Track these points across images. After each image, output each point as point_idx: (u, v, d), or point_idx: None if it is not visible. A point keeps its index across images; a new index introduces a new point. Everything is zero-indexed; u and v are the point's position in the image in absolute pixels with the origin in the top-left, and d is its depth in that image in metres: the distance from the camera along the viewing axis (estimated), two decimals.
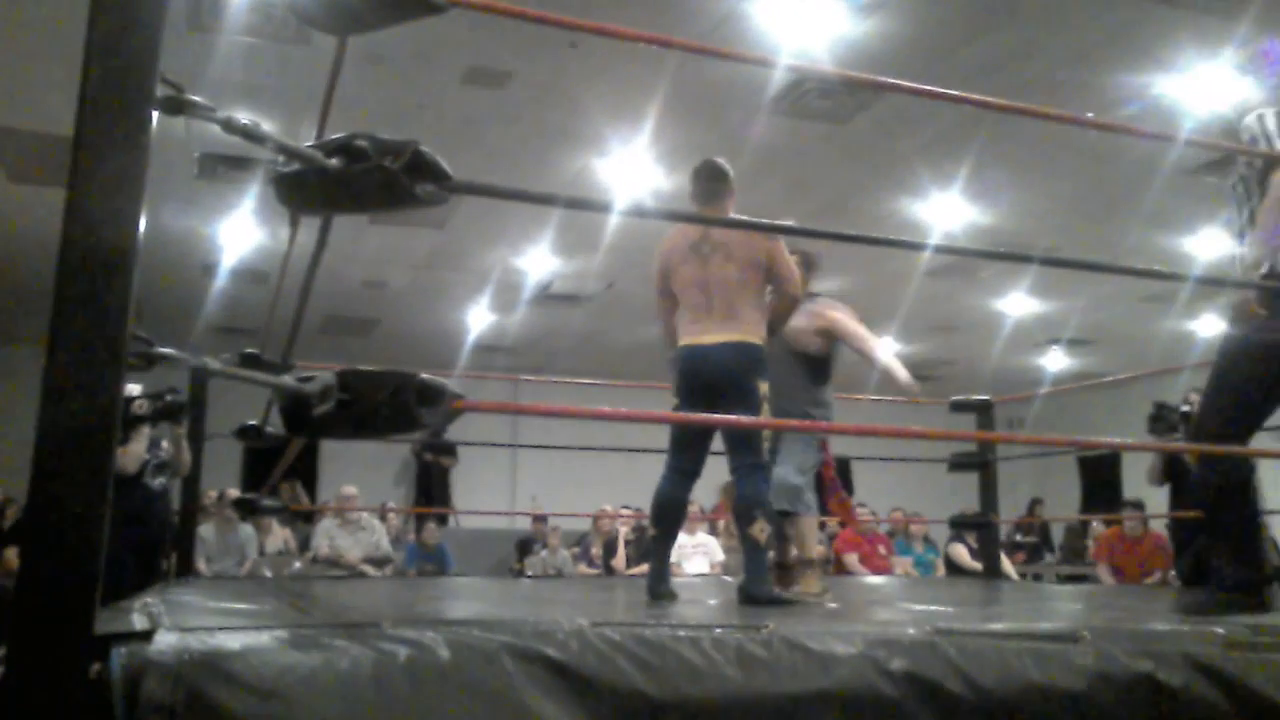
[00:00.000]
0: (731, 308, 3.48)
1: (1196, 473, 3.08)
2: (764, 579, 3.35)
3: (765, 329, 3.57)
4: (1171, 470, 5.87)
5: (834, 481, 4.39)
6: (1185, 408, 5.48)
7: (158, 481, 5.66)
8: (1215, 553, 3.01)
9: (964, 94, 2.63)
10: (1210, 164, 6.99)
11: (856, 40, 5.51)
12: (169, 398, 5.40)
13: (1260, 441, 3.06)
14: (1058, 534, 12.45)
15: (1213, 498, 2.89)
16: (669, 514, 3.61)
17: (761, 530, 3.37)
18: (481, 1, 1.94)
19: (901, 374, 3.93)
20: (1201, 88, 5.89)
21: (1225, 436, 2.80)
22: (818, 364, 4.07)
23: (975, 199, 7.69)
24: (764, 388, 3.49)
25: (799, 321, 3.95)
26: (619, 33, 2.49)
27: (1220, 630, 1.92)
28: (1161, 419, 5.51)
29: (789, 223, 3.39)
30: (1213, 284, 9.15)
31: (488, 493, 12.29)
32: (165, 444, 5.66)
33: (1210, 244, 8.51)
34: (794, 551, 4.00)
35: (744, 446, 3.48)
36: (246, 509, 5.14)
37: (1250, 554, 2.82)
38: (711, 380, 3.48)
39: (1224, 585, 2.82)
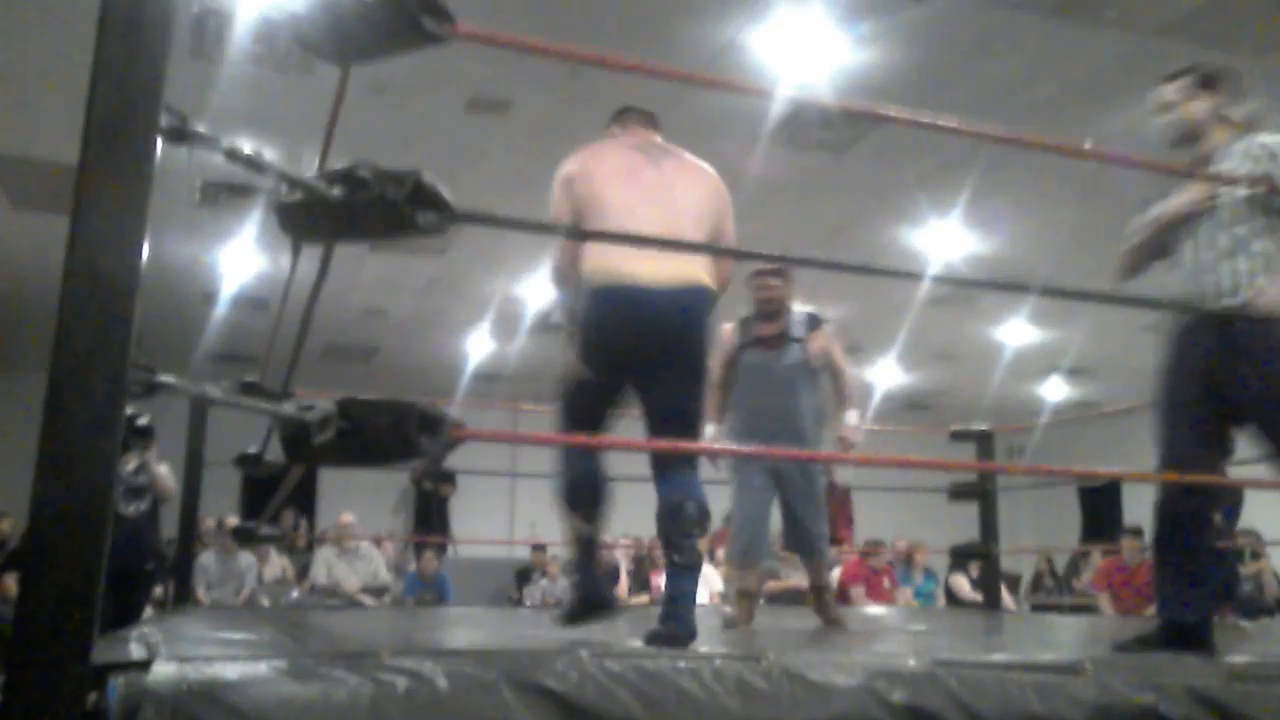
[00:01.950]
0: (682, 233, 2.73)
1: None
2: (692, 607, 2.69)
3: (713, 271, 2.86)
4: None
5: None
6: None
7: (131, 507, 5.56)
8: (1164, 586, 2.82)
9: (962, 124, 2.64)
10: None
11: (855, 70, 5.54)
12: (139, 422, 5.36)
13: (1254, 473, 3.03)
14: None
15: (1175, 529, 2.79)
16: (594, 493, 2.89)
17: (699, 548, 2.78)
18: (483, 32, 1.95)
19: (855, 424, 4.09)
20: None
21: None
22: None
23: (974, 228, 7.71)
24: (709, 357, 2.88)
25: (819, 340, 4.08)
26: (619, 63, 2.51)
27: (1224, 662, 1.91)
28: None
29: (789, 254, 3.40)
30: (1213, 314, 9.15)
31: (487, 521, 12.23)
32: (164, 468, 5.61)
33: None
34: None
35: (683, 429, 2.75)
36: (245, 537, 5.12)
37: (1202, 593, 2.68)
38: (657, 340, 2.70)
39: (1172, 626, 2.65)
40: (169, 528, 6.04)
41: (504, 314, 8.96)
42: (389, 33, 1.81)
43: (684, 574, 2.70)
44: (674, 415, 2.78)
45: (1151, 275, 2.79)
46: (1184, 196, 2.82)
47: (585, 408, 2.86)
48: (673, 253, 2.73)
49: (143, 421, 5.37)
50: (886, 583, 8.54)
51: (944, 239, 7.91)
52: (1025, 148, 2.99)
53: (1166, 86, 3.01)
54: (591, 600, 2.85)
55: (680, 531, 2.68)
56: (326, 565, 8.22)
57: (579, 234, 2.38)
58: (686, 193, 2.85)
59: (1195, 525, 2.74)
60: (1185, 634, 2.61)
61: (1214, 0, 4.99)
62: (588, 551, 2.90)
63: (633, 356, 2.74)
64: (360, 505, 9.97)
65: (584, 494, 2.88)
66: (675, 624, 2.58)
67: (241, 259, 8.32)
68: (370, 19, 1.78)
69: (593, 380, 2.77)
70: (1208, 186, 2.78)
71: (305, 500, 11.99)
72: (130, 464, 5.54)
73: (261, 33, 5.25)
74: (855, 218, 7.65)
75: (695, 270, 2.75)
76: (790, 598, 8.50)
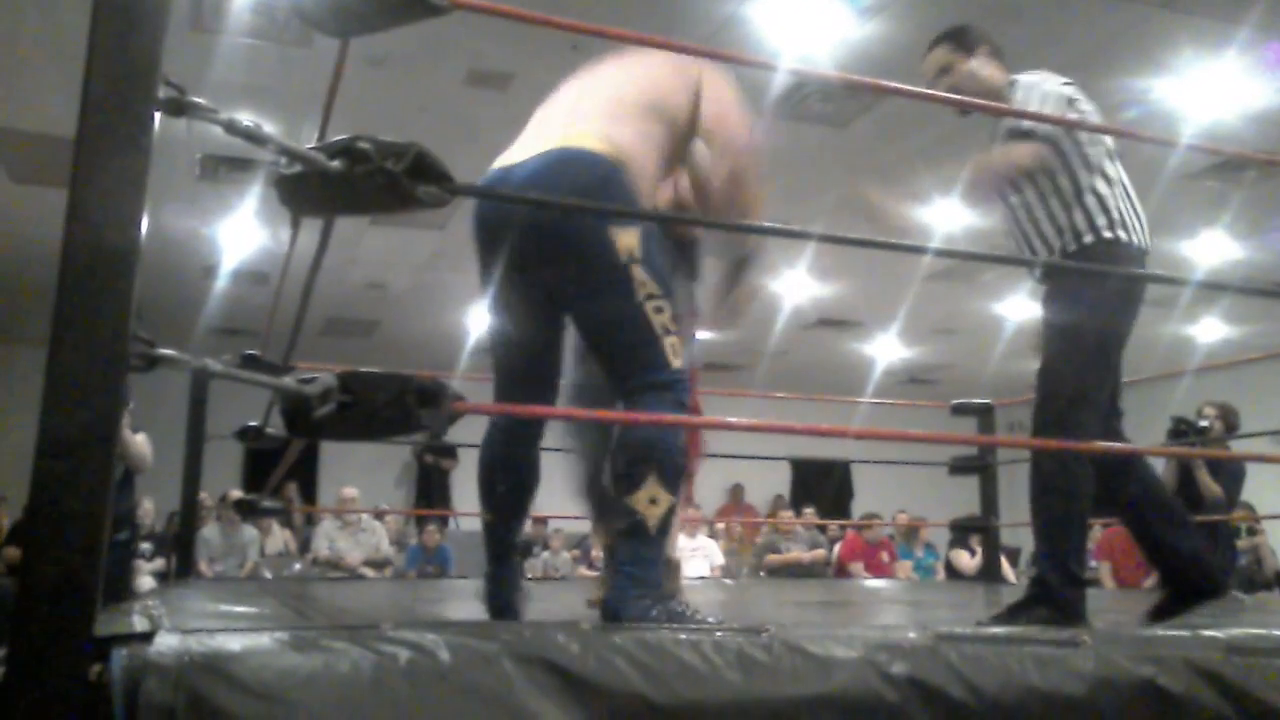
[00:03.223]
0: (575, 109, 2.25)
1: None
2: (645, 590, 2.05)
3: (635, 145, 2.19)
4: (1181, 481, 5.91)
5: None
6: (1203, 422, 5.55)
7: None
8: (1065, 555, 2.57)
9: (964, 97, 2.63)
10: (1211, 168, 6.99)
11: (857, 44, 5.51)
12: None
13: (1260, 446, 3.04)
14: None
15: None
16: (507, 480, 2.42)
17: (651, 502, 2.03)
18: (483, 4, 1.94)
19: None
20: (1202, 92, 5.90)
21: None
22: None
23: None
24: (627, 241, 2.08)
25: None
26: (620, 35, 2.49)
27: (1222, 635, 1.91)
28: (1181, 434, 5.57)
29: (790, 228, 3.34)
30: (1213, 288, 9.14)
31: None
32: (140, 437, 5.56)
33: (1210, 248, 8.51)
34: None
35: (629, 353, 2.13)
36: (247, 510, 5.12)
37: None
38: (515, 227, 2.16)
39: (1049, 598, 2.51)
40: (171, 500, 6.05)
41: None
42: (389, 4, 1.80)
43: (627, 542, 2.09)
44: (584, 321, 2.20)
45: (1150, 249, 2.78)
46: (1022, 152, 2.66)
47: (502, 355, 2.36)
48: (561, 124, 2.22)
49: None
50: (885, 556, 8.58)
51: (946, 213, 7.88)
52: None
53: (936, 50, 2.93)
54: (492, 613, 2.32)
55: (615, 483, 2.10)
56: (328, 538, 8.25)
57: (592, 208, 2.35)
58: (612, 67, 2.37)
59: (1152, 491, 2.76)
60: (1202, 595, 2.63)
61: None
62: (492, 552, 2.42)
63: (500, 258, 2.22)
64: (362, 479, 9.99)
65: (486, 479, 2.42)
66: (616, 607, 2.04)
67: (242, 232, 8.31)
68: None
69: (493, 313, 2.32)
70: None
71: (307, 474, 12.02)
72: None
73: (260, 5, 5.22)
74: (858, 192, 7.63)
75: (571, 136, 2.16)
76: (791, 571, 8.54)
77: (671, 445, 2.08)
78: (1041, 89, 2.70)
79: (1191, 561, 2.70)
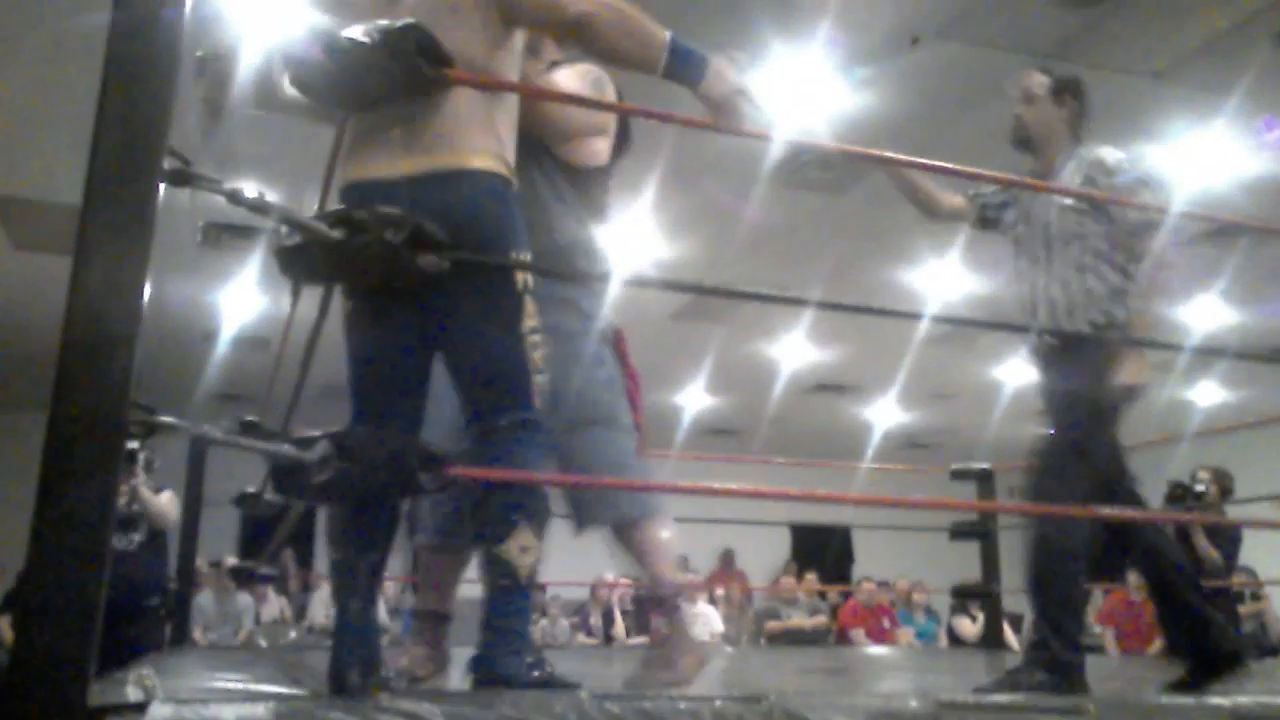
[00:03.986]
0: (434, 110, 1.96)
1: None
2: (520, 645, 1.97)
3: (502, 143, 2.04)
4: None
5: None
6: (1199, 487, 5.55)
7: (123, 540, 5.23)
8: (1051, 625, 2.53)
9: (958, 166, 2.66)
10: (1205, 234, 7.05)
11: (853, 114, 5.59)
12: None
13: (1258, 510, 3.04)
14: None
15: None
16: (365, 523, 1.93)
17: (522, 550, 1.96)
18: (476, 78, 1.97)
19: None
20: (1194, 160, 5.97)
21: None
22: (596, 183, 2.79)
23: (973, 268, 7.74)
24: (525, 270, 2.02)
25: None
26: (616, 107, 2.53)
27: (1228, 703, 1.90)
28: (1179, 498, 5.58)
29: (787, 294, 3.35)
30: (1210, 354, 9.17)
31: None
32: (165, 496, 5.47)
33: (1206, 313, 8.56)
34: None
35: (497, 384, 2.00)
36: (243, 577, 5.06)
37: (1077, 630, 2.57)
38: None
39: (1050, 663, 2.48)
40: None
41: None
42: (388, 79, 1.83)
43: (499, 594, 1.98)
44: (463, 350, 2.02)
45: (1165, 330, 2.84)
46: None
47: (367, 372, 2.04)
48: (428, 130, 1.96)
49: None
50: (886, 622, 8.50)
51: (942, 279, 7.93)
52: (1022, 189, 3.05)
53: (1036, 76, 3.00)
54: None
55: (482, 531, 1.99)
56: (325, 606, 8.17)
57: (596, 276, 2.37)
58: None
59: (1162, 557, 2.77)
60: (1220, 665, 2.61)
61: (1208, 45, 5.04)
62: (340, 617, 1.92)
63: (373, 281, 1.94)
64: None
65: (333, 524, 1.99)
66: (491, 664, 1.91)
67: (242, 299, 8.34)
68: (369, 66, 1.80)
69: (357, 334, 2.03)
70: None
71: (304, 540, 11.91)
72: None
73: (263, 77, 5.29)
74: (854, 258, 7.68)
75: (453, 151, 1.96)
76: (792, 638, 8.45)
77: (541, 489, 2.03)
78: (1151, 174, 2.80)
79: (1214, 627, 2.69)
